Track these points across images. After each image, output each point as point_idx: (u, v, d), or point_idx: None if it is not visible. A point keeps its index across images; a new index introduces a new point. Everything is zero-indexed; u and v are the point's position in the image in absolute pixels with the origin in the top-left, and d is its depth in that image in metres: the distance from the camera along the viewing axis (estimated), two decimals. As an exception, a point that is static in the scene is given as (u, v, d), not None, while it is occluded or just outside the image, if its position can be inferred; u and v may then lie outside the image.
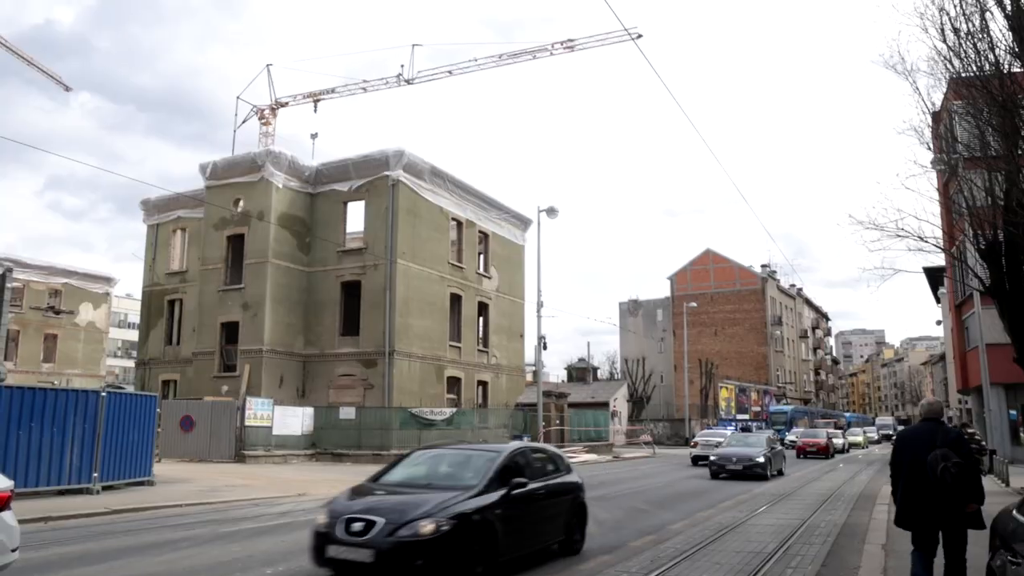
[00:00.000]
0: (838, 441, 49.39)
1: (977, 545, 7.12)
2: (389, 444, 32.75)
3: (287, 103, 50.19)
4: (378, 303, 37.30)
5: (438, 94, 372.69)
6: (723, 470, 24.99)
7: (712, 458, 25.96)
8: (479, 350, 44.63)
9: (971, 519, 6.88)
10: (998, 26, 14.45)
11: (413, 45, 61.87)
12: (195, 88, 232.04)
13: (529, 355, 52.14)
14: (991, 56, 14.44)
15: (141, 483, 19.36)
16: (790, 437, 50.33)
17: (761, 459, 24.77)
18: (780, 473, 26.91)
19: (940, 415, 7.53)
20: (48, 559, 10.03)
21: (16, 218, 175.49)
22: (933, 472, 6.78)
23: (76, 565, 9.66)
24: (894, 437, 13.72)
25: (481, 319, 45.68)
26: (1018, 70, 14.30)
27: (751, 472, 24.42)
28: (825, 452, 41.41)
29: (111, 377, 73.35)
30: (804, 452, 41.43)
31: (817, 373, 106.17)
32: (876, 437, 73.05)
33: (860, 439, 63.43)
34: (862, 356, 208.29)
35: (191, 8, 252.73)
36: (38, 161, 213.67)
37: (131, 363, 66.29)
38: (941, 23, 14.95)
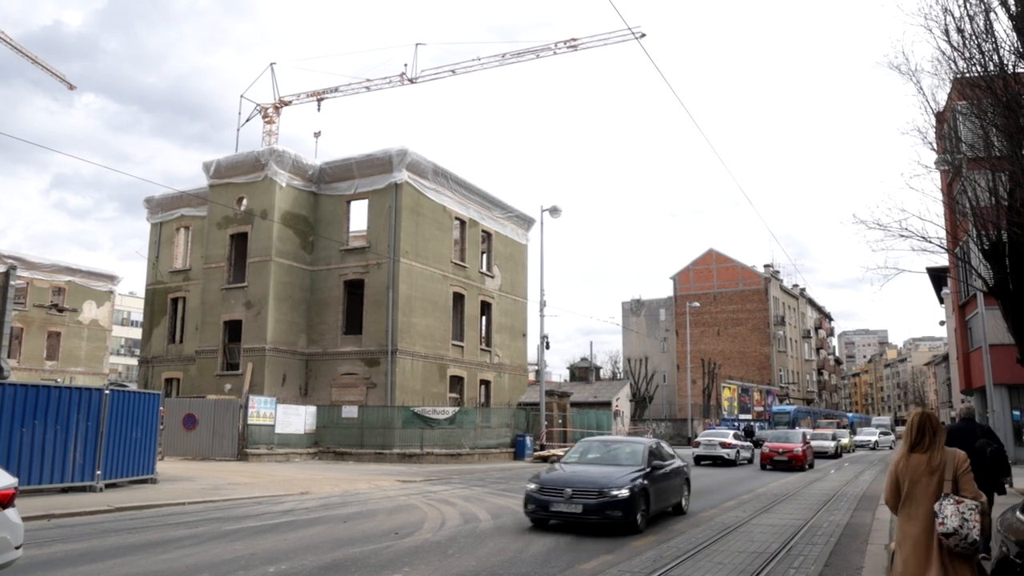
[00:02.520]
0: (826, 444, 42.27)
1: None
2: (392, 443, 32.82)
3: (291, 102, 50.26)
4: (381, 302, 37.33)
5: (441, 93, 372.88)
6: (547, 511, 12.85)
7: (530, 487, 13.22)
8: (482, 349, 44.64)
9: (999, 487, 10.35)
10: (1002, 26, 14.43)
11: (416, 44, 61.87)
12: (200, 89, 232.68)
13: (532, 354, 52.19)
14: (995, 57, 14.41)
15: (144, 481, 19.40)
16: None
17: (622, 492, 12.46)
18: (678, 511, 15.45)
19: (974, 416, 11.32)
20: (52, 556, 10.05)
21: (22, 217, 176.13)
22: (982, 453, 9.96)
23: (79, 562, 9.68)
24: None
25: (484, 318, 45.69)
26: (1022, 70, 14.28)
27: (602, 517, 12.38)
28: (800, 463, 30.57)
29: (114, 375, 73.57)
30: (771, 462, 30.98)
31: (820, 373, 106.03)
32: (872, 438, 62.27)
33: (846, 441, 53.09)
34: (865, 356, 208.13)
35: (198, 10, 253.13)
36: (44, 161, 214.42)
37: (134, 361, 66.52)
38: (945, 23, 14.94)
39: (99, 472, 17.52)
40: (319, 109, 51.01)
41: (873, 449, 59.03)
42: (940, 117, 17.78)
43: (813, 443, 39.47)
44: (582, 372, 63.49)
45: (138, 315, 67.06)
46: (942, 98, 17.14)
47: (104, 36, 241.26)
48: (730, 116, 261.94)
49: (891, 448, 60.68)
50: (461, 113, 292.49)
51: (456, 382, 41.82)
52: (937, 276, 40.88)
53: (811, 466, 32.03)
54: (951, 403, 72.50)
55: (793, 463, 30.35)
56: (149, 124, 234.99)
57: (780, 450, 31.05)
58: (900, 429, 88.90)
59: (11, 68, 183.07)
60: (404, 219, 38.00)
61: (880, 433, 65.11)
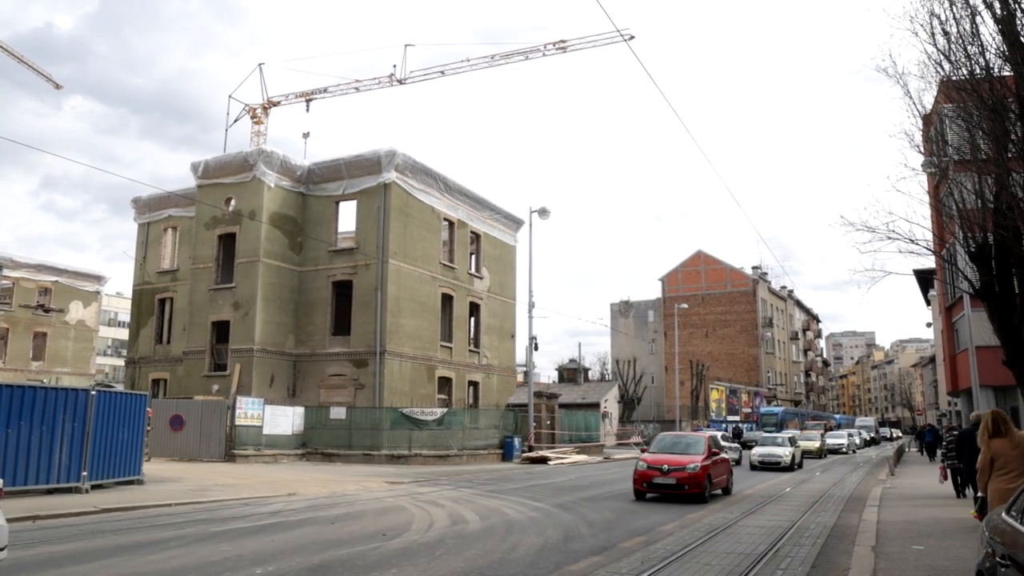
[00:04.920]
0: (777, 452, 32.70)
1: (967, 548, 7.44)
2: (380, 444, 32.76)
3: (279, 102, 50.11)
4: (369, 303, 37.24)
5: (431, 95, 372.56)
6: None
7: None
8: (470, 350, 44.59)
9: None
10: (988, 30, 14.48)
11: (406, 45, 61.77)
12: (188, 91, 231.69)
13: (520, 356, 52.25)
14: (981, 60, 14.46)
15: (130, 482, 19.29)
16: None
17: None
18: None
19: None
20: (37, 558, 9.98)
21: (10, 218, 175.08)
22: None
23: (65, 564, 9.61)
24: (955, 436, 17.99)
25: (472, 319, 45.65)
26: (1007, 74, 14.34)
27: None
28: (697, 488, 18.50)
29: (101, 376, 73.13)
30: (649, 485, 18.96)
31: (808, 375, 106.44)
32: (844, 442, 53.02)
33: (814, 445, 43.36)
34: (852, 358, 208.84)
35: (187, 14, 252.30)
36: (33, 163, 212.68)
37: (121, 362, 66.12)
38: (932, 27, 14.97)
39: (85, 473, 17.41)
40: (308, 110, 50.87)
41: (846, 454, 51.15)
42: (927, 120, 17.86)
43: (760, 451, 33.35)
44: (571, 373, 63.55)
45: (125, 316, 66.69)
46: (928, 101, 17.20)
47: (94, 39, 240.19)
48: (716, 118, 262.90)
49: (854, 452, 53.41)
50: (450, 115, 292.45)
51: (444, 383, 41.74)
52: (924, 278, 41.06)
53: (727, 491, 20.89)
54: (938, 405, 72.75)
55: (686, 488, 18.36)
56: (137, 126, 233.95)
57: (663, 467, 18.75)
58: (884, 431, 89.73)
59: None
60: (393, 220, 37.92)
61: (848, 435, 56.43)
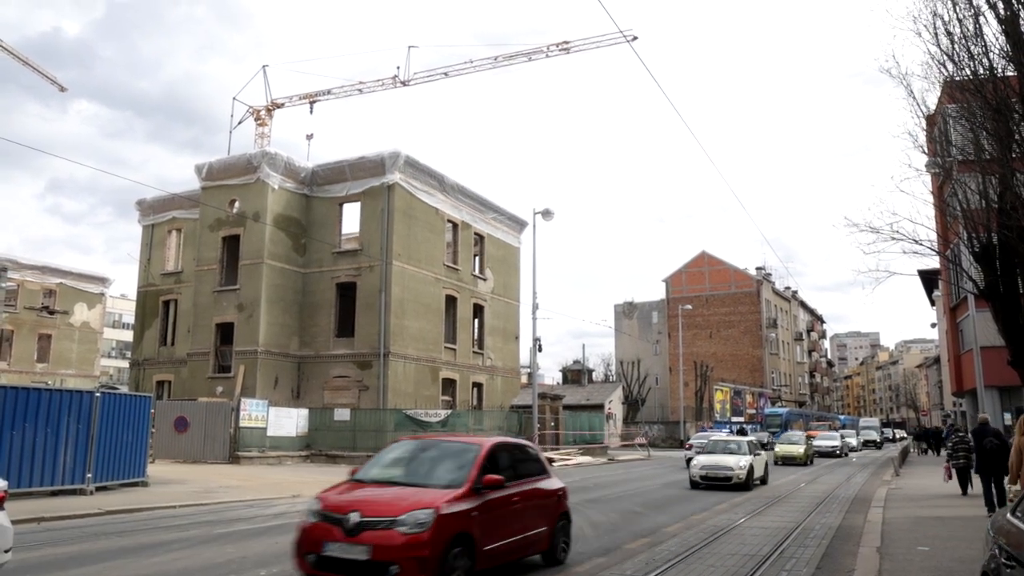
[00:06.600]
0: (731, 463, 22.64)
1: (973, 548, 7.46)
2: (384, 446, 32.70)
3: (283, 104, 50.20)
4: (373, 304, 37.26)
5: (434, 96, 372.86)
6: None
7: None
8: (474, 352, 44.59)
9: (1003, 470, 12.75)
10: (991, 30, 14.47)
11: (409, 47, 61.90)
12: (193, 94, 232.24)
13: (524, 357, 52.22)
14: (985, 60, 14.45)
15: (135, 484, 19.32)
16: None
17: None
18: None
19: (987, 422, 15.74)
20: (42, 560, 10.00)
21: (17, 221, 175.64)
22: (991, 446, 14.79)
23: (70, 566, 9.63)
24: (960, 436, 19.21)
25: (476, 321, 45.64)
26: (1011, 74, 14.32)
27: None
28: (421, 571, 7.35)
29: (105, 377, 73.19)
30: (319, 559, 7.84)
31: (812, 376, 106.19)
32: (836, 444, 46.87)
33: (798, 450, 36.55)
34: (857, 359, 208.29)
35: (193, 19, 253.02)
36: (39, 166, 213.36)
37: (125, 363, 66.16)
38: (935, 27, 14.97)
39: (90, 475, 17.44)
40: (311, 111, 50.95)
41: (840, 456, 45.51)
42: (930, 120, 17.87)
43: (703, 461, 23.36)
44: (575, 375, 63.49)
45: (129, 317, 66.79)
46: (932, 101, 17.20)
47: (100, 44, 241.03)
48: (720, 120, 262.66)
49: (847, 455, 47.23)
50: (453, 116, 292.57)
51: (448, 385, 41.75)
52: (928, 278, 40.95)
53: (554, 557, 10.13)
54: (942, 405, 72.63)
55: (396, 572, 7.31)
56: (143, 130, 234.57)
57: (350, 516, 7.81)
58: (887, 431, 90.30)
59: (4, 74, 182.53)
60: (396, 221, 37.94)
61: (841, 436, 50.10)
